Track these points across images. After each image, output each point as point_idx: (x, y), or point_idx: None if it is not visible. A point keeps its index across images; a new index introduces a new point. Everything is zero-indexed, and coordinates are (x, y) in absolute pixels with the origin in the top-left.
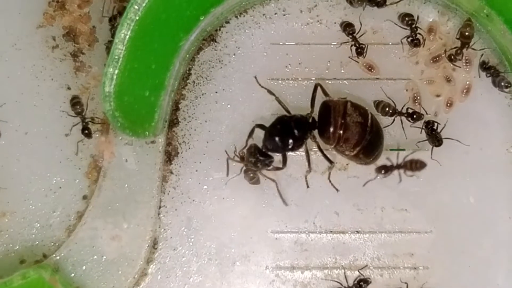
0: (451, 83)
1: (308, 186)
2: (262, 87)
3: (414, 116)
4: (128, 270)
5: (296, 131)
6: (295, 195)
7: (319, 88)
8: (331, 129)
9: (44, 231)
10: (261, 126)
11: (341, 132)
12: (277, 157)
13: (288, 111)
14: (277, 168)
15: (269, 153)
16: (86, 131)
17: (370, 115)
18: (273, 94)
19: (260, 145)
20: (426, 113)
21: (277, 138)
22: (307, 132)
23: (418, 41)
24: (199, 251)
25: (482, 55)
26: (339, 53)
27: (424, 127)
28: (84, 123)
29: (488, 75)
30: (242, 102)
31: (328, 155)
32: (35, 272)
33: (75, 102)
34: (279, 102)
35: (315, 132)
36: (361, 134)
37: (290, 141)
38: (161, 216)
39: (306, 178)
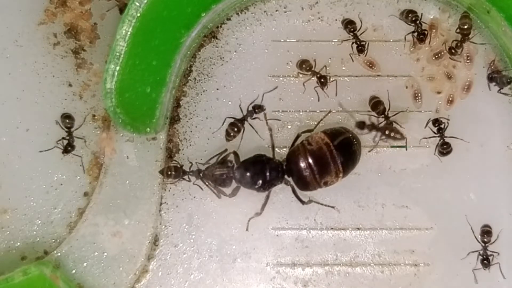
0: (452, 80)
1: (247, 229)
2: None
3: (391, 135)
4: (129, 267)
5: (268, 175)
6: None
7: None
8: (308, 180)
9: (45, 227)
10: (237, 156)
11: (317, 176)
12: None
13: (273, 147)
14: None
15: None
16: (69, 148)
17: (323, 135)
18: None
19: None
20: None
21: (248, 174)
22: (279, 179)
23: (424, 36)
24: (200, 247)
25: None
26: (340, 50)
27: (432, 125)
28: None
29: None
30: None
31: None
32: (36, 269)
33: (66, 116)
34: (271, 136)
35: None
36: (334, 159)
37: (260, 181)
38: (162, 212)
39: (248, 221)
